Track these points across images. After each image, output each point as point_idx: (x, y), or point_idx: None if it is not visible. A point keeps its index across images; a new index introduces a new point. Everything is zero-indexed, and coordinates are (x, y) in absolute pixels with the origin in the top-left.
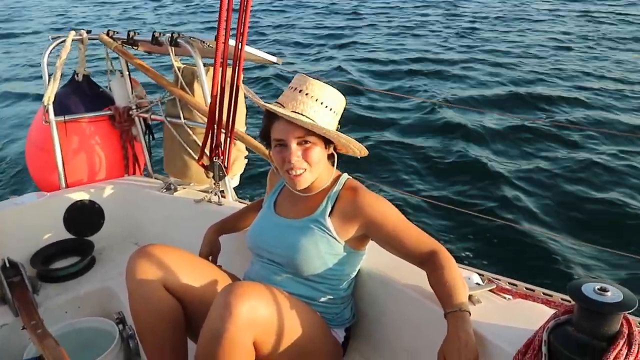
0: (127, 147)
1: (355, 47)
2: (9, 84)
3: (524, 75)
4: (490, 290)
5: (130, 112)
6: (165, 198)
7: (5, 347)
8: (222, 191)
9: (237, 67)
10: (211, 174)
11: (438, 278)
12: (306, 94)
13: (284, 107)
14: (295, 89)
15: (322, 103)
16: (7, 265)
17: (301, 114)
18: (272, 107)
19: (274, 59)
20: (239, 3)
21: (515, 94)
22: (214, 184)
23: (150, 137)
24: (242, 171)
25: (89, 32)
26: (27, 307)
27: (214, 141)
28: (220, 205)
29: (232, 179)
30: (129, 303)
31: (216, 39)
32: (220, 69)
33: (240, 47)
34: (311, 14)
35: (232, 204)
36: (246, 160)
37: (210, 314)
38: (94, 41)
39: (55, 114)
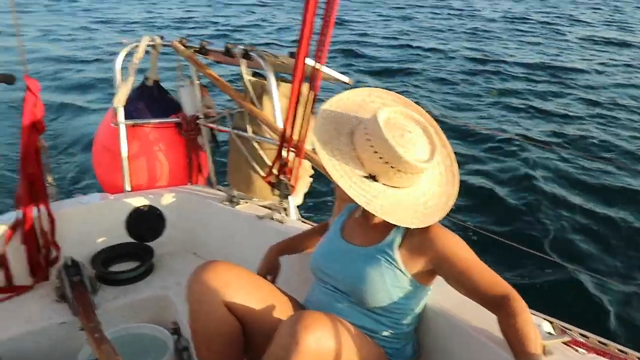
0: (191, 155)
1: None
2: (79, 84)
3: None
4: (563, 342)
5: (198, 121)
6: (227, 210)
7: (61, 345)
8: (284, 209)
9: (311, 85)
10: (277, 192)
11: (511, 325)
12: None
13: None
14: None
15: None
16: (70, 264)
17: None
18: None
19: (345, 79)
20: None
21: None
22: (279, 201)
23: (216, 147)
24: (306, 190)
25: (162, 38)
26: (86, 308)
27: (283, 159)
28: (283, 223)
29: (296, 197)
30: (189, 319)
31: (296, 55)
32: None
33: (318, 66)
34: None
35: (295, 223)
36: (311, 179)
37: (275, 341)
38: (166, 48)
39: (124, 117)
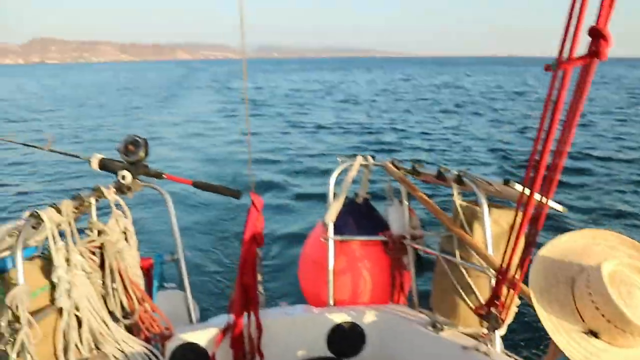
0: (395, 274)
1: None
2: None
3: None
4: None
5: (404, 241)
6: (430, 336)
7: None
8: (490, 340)
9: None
10: (485, 323)
11: None
12: None
13: None
14: None
15: None
16: None
17: None
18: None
19: (559, 207)
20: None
21: None
22: (485, 333)
23: (420, 268)
24: (511, 321)
25: (373, 157)
26: None
27: (494, 293)
28: (489, 356)
29: (501, 329)
30: None
31: (524, 186)
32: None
33: (544, 201)
34: None
35: (501, 357)
36: (517, 309)
37: None
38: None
39: (333, 232)
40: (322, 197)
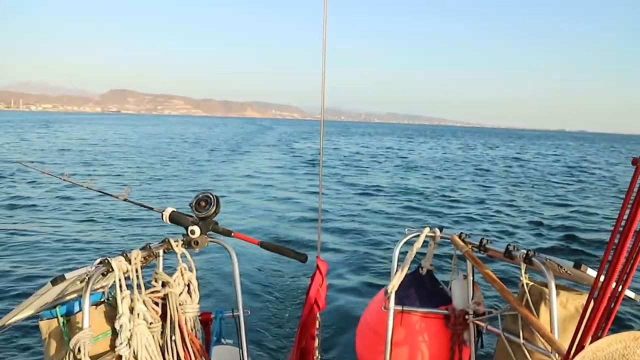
0: (454, 350)
1: None
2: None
3: None
4: None
5: (466, 317)
6: None
7: None
8: None
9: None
10: None
11: None
12: None
13: None
14: None
15: None
16: None
17: None
18: None
19: (634, 295)
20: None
21: None
22: None
23: (480, 346)
24: None
25: (441, 230)
26: None
27: None
28: None
29: None
30: None
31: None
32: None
33: (620, 290)
34: None
35: None
36: None
37: None
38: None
39: (395, 302)
40: (386, 266)
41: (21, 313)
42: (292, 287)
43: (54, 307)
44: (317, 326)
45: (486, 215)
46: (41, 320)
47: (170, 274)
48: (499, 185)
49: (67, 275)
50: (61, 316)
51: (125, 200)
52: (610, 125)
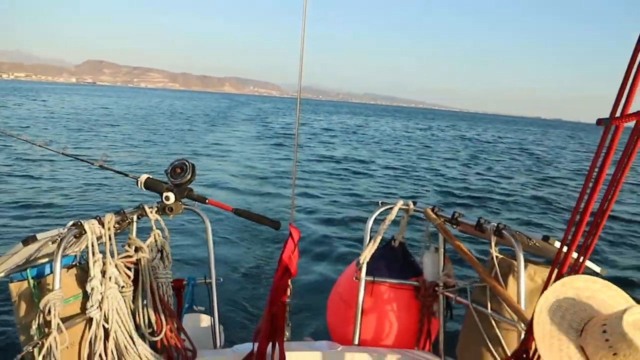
0: (423, 320)
1: None
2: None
3: None
4: None
5: (436, 288)
6: None
7: None
8: None
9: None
10: None
11: None
12: None
13: None
14: None
15: None
16: None
17: None
18: None
19: (597, 268)
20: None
21: None
22: None
23: (449, 317)
24: None
25: (415, 203)
26: None
27: (523, 346)
28: None
29: None
30: None
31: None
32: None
33: (580, 260)
34: None
35: None
36: None
37: None
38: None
39: (366, 273)
40: (358, 240)
41: None
42: (265, 255)
43: (25, 269)
44: (289, 293)
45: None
46: (11, 282)
47: (144, 240)
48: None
49: (39, 235)
50: (32, 278)
51: (100, 166)
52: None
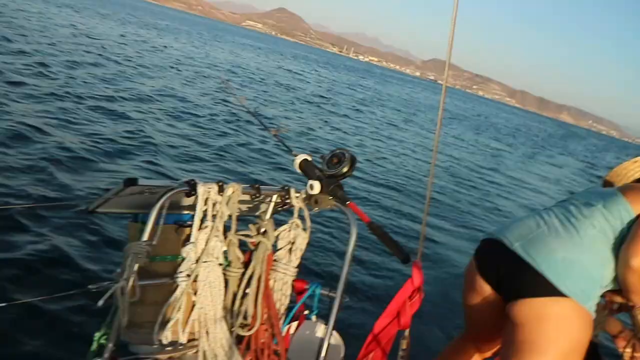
0: None
1: None
2: None
3: None
4: None
5: None
6: None
7: None
8: None
9: None
10: None
11: None
12: None
13: None
14: None
15: None
16: None
17: None
18: None
19: None
20: None
21: None
22: None
23: None
24: None
25: None
26: None
27: None
28: None
29: None
30: None
31: None
32: None
33: None
34: None
35: None
36: None
37: None
38: None
39: None
40: None
41: (105, 206)
42: (385, 284)
43: (141, 212)
44: (389, 348)
45: None
46: (130, 221)
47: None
48: None
49: (142, 181)
50: (142, 222)
51: (275, 135)
52: None
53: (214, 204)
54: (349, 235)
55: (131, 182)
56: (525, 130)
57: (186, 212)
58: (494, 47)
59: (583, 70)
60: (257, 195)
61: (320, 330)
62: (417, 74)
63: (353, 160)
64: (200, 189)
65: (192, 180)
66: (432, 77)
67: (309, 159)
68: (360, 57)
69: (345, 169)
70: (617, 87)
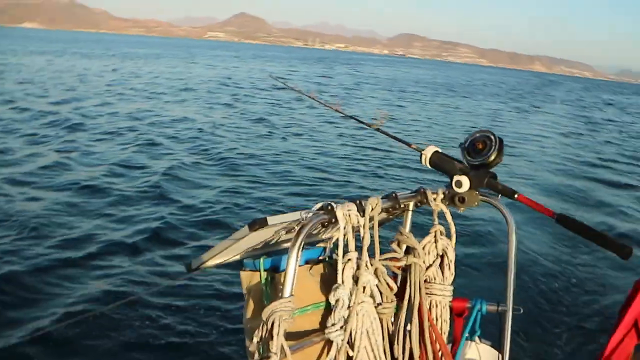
0: None
1: None
2: None
3: None
4: None
5: None
6: None
7: None
8: None
9: None
10: None
11: None
12: None
13: None
14: None
15: None
16: None
17: None
18: None
19: None
20: None
21: None
22: None
23: None
24: None
25: None
26: None
27: None
28: None
29: None
30: None
31: None
32: None
33: None
34: None
35: None
36: None
37: None
38: None
39: None
40: None
41: (215, 258)
42: (584, 288)
43: (259, 256)
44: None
45: None
46: (243, 270)
47: (419, 239)
48: None
49: (271, 219)
50: (264, 270)
51: (377, 130)
52: None
53: (354, 228)
54: (508, 234)
55: (261, 223)
56: (506, 86)
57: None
58: (458, 11)
59: (550, 19)
60: (397, 206)
61: (489, 354)
62: (386, 51)
63: (501, 142)
64: (339, 212)
65: (328, 204)
66: (400, 52)
67: (439, 149)
68: (327, 46)
69: (493, 156)
70: (584, 30)
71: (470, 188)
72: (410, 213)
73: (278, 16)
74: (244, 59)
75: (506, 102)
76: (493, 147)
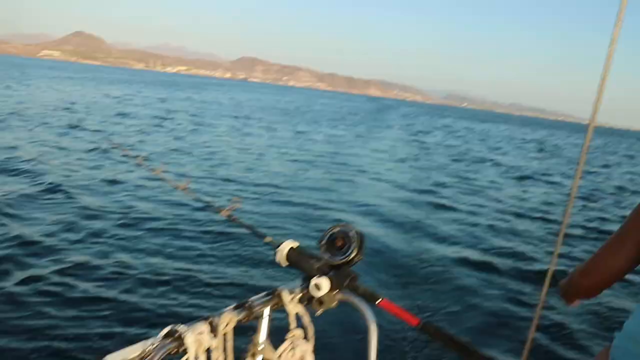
0: None
1: None
2: None
3: None
4: None
5: None
6: None
7: None
8: None
9: None
10: None
11: None
12: None
13: None
14: None
15: None
16: None
17: None
18: None
19: None
20: None
21: None
22: None
23: None
24: None
25: None
26: None
27: None
28: None
29: None
30: None
31: None
32: None
33: None
34: None
35: None
36: None
37: None
38: None
39: None
40: None
41: None
42: None
43: None
44: None
45: None
46: None
47: (277, 345)
48: None
49: (111, 357)
50: None
51: (228, 218)
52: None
53: (206, 351)
54: (368, 334)
55: None
56: (347, 111)
57: None
58: (298, 35)
59: (384, 43)
60: (249, 314)
61: None
62: (228, 75)
63: (362, 238)
64: (189, 338)
65: (174, 329)
66: (243, 76)
67: (295, 245)
68: (168, 69)
69: (353, 254)
70: (416, 55)
71: (330, 290)
72: (266, 319)
73: (117, 36)
74: (81, 81)
75: (348, 128)
76: (353, 244)
